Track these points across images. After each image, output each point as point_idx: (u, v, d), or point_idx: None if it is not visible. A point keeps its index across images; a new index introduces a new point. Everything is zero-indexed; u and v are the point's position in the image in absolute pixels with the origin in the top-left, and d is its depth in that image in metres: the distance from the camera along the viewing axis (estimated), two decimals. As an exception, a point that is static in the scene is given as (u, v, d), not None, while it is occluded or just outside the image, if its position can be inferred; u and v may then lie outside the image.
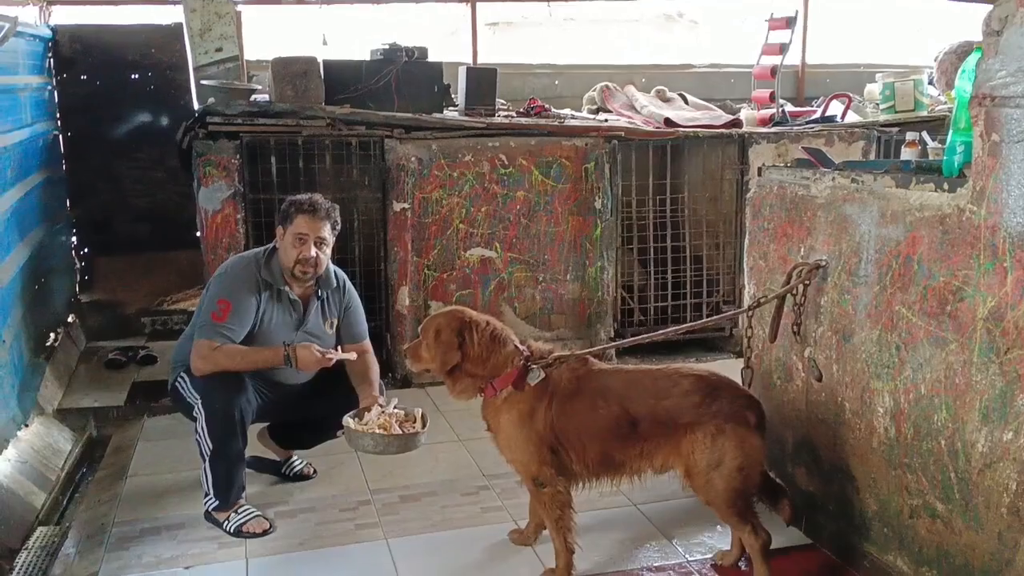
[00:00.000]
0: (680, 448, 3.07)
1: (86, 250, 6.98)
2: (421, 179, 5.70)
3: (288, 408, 3.90)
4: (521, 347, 3.25)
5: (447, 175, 5.75)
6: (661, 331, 4.02)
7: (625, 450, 3.12)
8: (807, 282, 3.36)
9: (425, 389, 5.49)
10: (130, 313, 6.83)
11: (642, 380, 3.18)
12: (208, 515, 3.67)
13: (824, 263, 3.36)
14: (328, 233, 3.71)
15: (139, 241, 6.96)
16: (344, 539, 3.58)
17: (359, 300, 4.00)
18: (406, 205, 5.67)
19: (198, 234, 5.67)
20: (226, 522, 3.61)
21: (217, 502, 3.62)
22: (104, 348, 6.29)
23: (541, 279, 6.02)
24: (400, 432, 3.48)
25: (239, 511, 3.63)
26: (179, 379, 3.73)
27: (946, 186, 2.85)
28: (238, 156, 5.37)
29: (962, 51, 6.23)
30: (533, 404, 3.15)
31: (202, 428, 3.55)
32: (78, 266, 6.94)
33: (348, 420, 3.51)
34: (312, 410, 3.93)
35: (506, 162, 5.83)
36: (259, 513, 3.66)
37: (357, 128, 5.57)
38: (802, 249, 3.50)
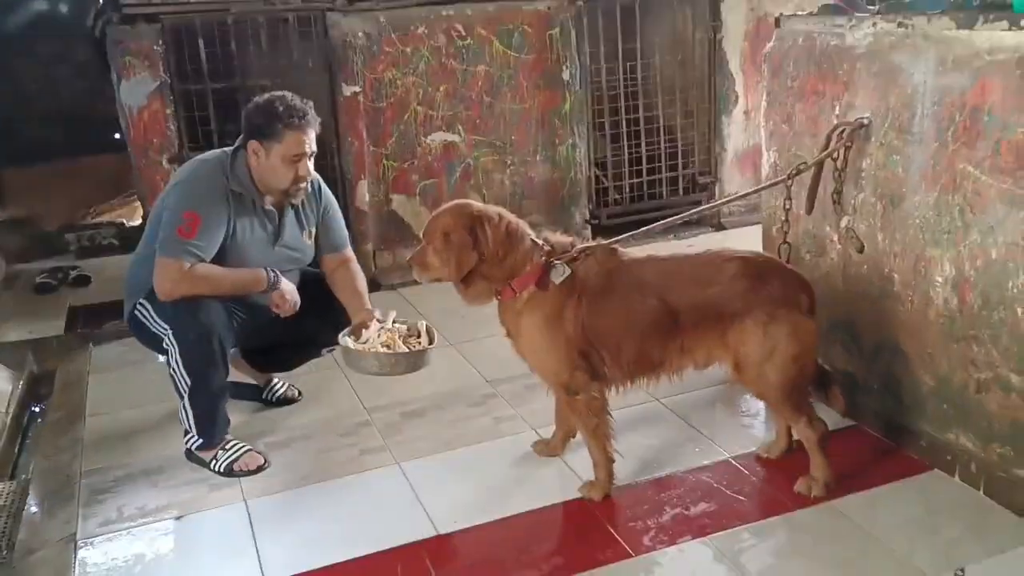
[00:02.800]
0: (727, 340, 2.75)
1: (-10, 163, 6.24)
2: (371, 57, 5.14)
3: (266, 330, 3.44)
4: (539, 241, 2.85)
5: (399, 51, 5.19)
6: (697, 209, 3.42)
7: (665, 347, 2.80)
8: (849, 144, 3.01)
9: (397, 290, 5.09)
10: (51, 230, 6.18)
11: (681, 268, 2.82)
12: (191, 454, 3.26)
13: (868, 121, 3.00)
14: (315, 139, 3.21)
15: (50, 148, 6.26)
16: (351, 467, 3.21)
17: (336, 203, 3.52)
18: (357, 88, 5.12)
19: (117, 136, 5.05)
20: (213, 461, 3.21)
21: (201, 440, 3.20)
22: (28, 271, 5.67)
23: (509, 162, 5.58)
24: (406, 350, 3.09)
25: (227, 447, 3.22)
26: (139, 307, 3.24)
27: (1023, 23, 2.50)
28: (161, 42, 4.73)
29: None
30: (560, 304, 2.78)
31: (176, 362, 3.09)
32: (-17, 181, 6.22)
33: (346, 340, 3.11)
34: (294, 329, 3.48)
35: (463, 33, 5.28)
36: (250, 447, 3.26)
37: (293, 2, 4.94)
38: (837, 107, 3.13)
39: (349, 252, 3.51)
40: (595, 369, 2.83)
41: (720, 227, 6.02)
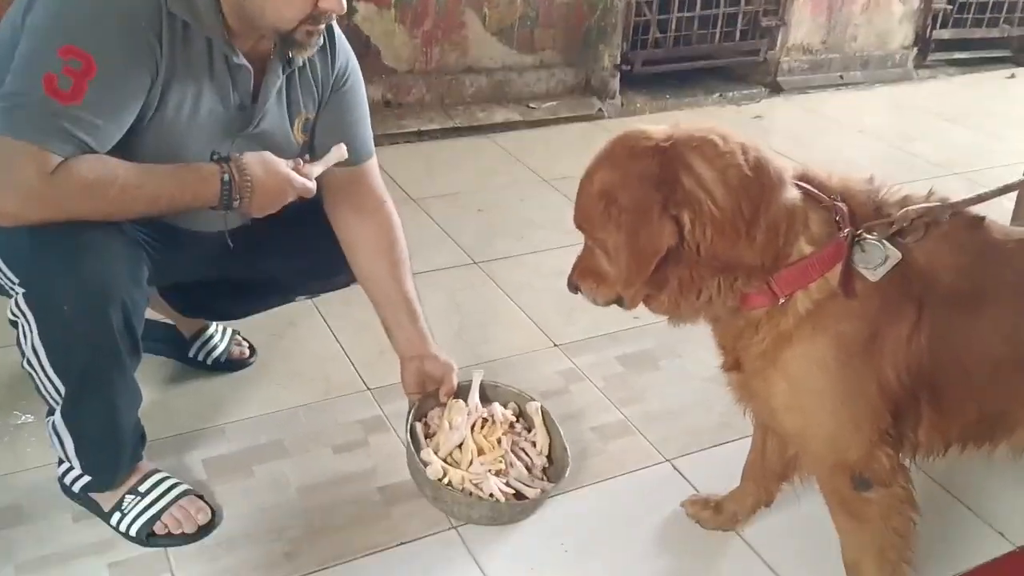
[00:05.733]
0: None
1: None
2: None
3: (205, 265, 1.89)
4: (818, 192, 1.41)
5: None
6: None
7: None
8: None
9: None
10: None
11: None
12: (72, 492, 1.77)
13: None
14: None
15: None
16: (395, 532, 1.79)
17: (359, 71, 1.88)
18: None
19: None
20: (117, 514, 1.73)
21: (89, 479, 1.72)
22: None
23: (526, -31, 3.93)
24: (535, 485, 1.82)
25: (145, 486, 1.74)
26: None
27: None
28: None
29: None
30: (877, 320, 1.38)
31: (35, 352, 1.53)
32: None
33: (429, 454, 1.80)
34: (254, 268, 1.94)
35: None
36: (186, 486, 1.80)
37: None
38: None
39: (375, 172, 1.94)
40: (901, 437, 1.49)
41: (777, 88, 4.62)
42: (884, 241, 1.37)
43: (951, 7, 5.00)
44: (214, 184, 1.55)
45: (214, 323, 2.23)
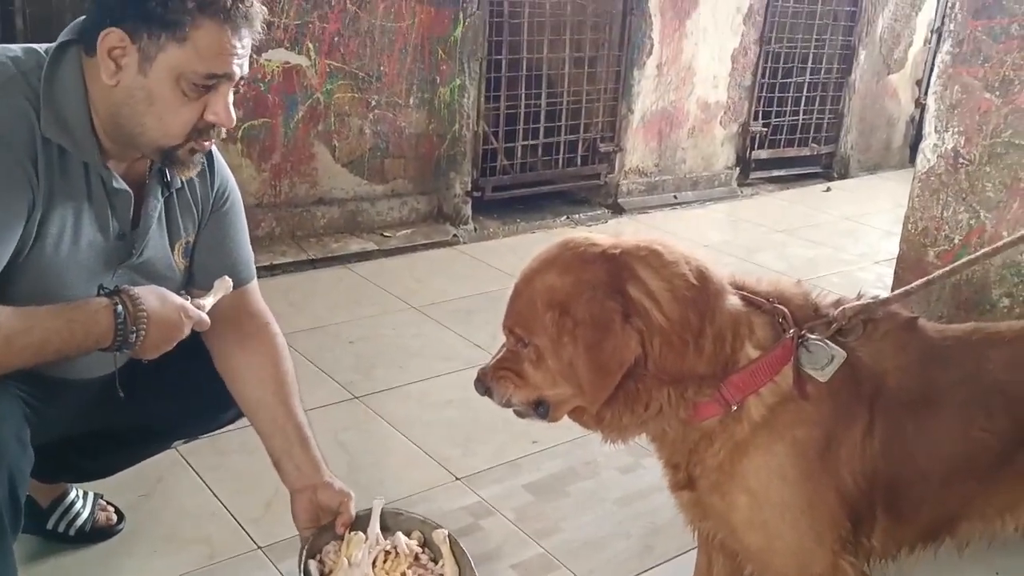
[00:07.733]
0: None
1: None
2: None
3: (83, 426, 1.68)
4: (758, 298, 1.42)
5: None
6: None
7: (989, 497, 1.48)
8: None
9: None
10: None
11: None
12: None
13: None
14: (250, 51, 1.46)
15: None
16: None
17: (238, 190, 1.77)
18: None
19: None
20: None
21: None
22: None
23: (374, 103, 3.93)
24: None
25: None
26: None
27: None
28: None
29: None
30: (830, 424, 1.36)
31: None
32: None
33: None
34: (135, 416, 1.73)
35: (326, -98, 3.55)
36: None
37: None
38: None
39: (258, 295, 1.79)
40: (856, 544, 1.45)
41: (619, 209, 4.79)
42: (827, 341, 1.38)
43: (766, 129, 5.43)
44: (106, 319, 1.36)
45: (74, 488, 1.96)
